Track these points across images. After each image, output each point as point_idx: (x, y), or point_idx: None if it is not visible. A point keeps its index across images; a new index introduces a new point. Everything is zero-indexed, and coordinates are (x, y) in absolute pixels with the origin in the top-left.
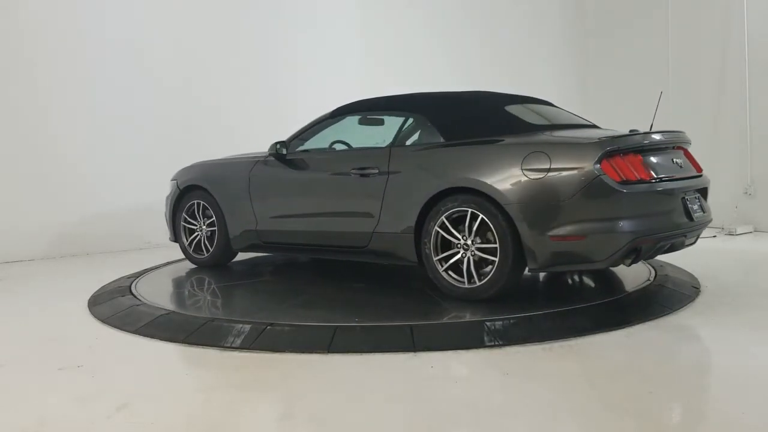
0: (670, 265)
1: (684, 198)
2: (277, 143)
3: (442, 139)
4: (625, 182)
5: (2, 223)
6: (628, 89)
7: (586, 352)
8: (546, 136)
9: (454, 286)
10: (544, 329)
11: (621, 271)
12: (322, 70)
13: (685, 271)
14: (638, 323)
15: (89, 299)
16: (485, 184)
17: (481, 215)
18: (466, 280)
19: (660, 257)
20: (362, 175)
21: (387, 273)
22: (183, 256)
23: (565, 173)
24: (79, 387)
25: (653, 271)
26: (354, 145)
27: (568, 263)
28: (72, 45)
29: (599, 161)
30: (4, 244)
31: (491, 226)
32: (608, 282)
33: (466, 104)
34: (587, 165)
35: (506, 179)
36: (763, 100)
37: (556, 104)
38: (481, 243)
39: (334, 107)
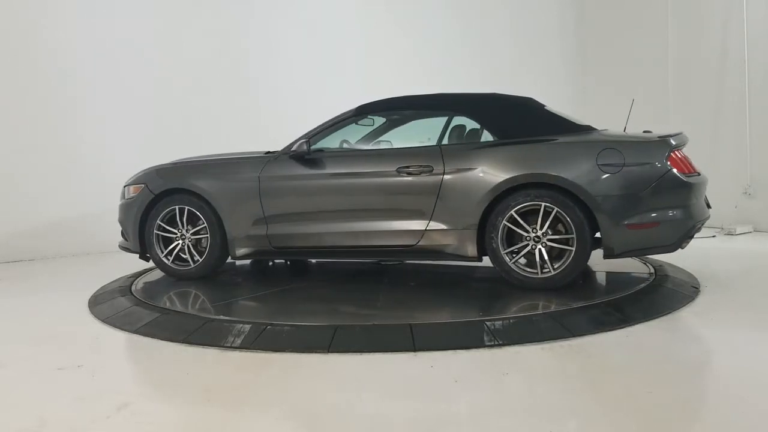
0: (670, 264)
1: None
2: (303, 142)
3: (494, 138)
4: (685, 175)
5: (3, 223)
6: (628, 90)
7: (586, 352)
8: (603, 134)
9: (527, 277)
10: (544, 329)
11: (621, 270)
12: (320, 68)
13: (685, 271)
14: (638, 323)
15: (89, 299)
16: (564, 179)
17: (555, 208)
18: (539, 270)
19: (660, 257)
20: (411, 174)
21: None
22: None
23: (639, 168)
24: (79, 387)
25: (653, 271)
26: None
27: (641, 249)
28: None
29: (668, 157)
30: (4, 244)
31: (567, 218)
32: (608, 282)
33: (506, 105)
34: (659, 160)
35: (584, 174)
36: (763, 100)
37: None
38: (552, 234)
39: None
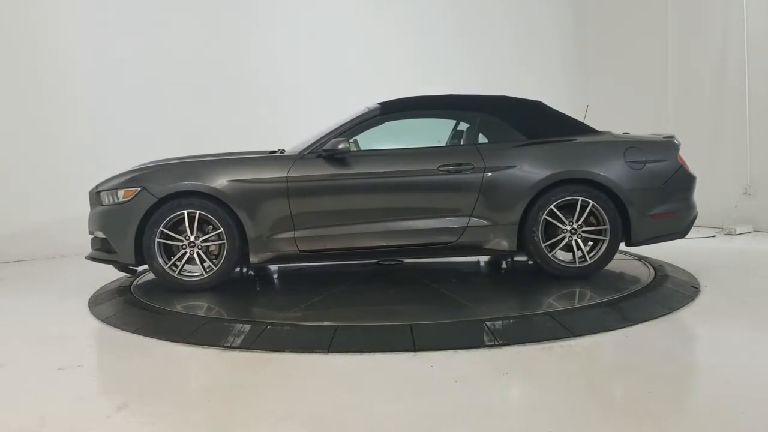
0: (670, 264)
1: None
2: (339, 140)
3: (523, 138)
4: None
5: (3, 223)
6: (628, 90)
7: (586, 352)
8: (619, 135)
9: (565, 267)
10: (544, 329)
11: (621, 270)
12: (320, 68)
13: (685, 270)
14: (638, 323)
15: (89, 299)
16: (602, 175)
17: (591, 202)
18: (576, 260)
19: (659, 257)
20: (451, 172)
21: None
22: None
23: (658, 164)
24: (79, 387)
25: (653, 271)
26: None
27: (660, 237)
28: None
29: (677, 154)
30: (4, 244)
31: (601, 210)
32: (608, 282)
33: (526, 106)
34: (673, 157)
35: (616, 171)
36: (763, 100)
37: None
38: (586, 226)
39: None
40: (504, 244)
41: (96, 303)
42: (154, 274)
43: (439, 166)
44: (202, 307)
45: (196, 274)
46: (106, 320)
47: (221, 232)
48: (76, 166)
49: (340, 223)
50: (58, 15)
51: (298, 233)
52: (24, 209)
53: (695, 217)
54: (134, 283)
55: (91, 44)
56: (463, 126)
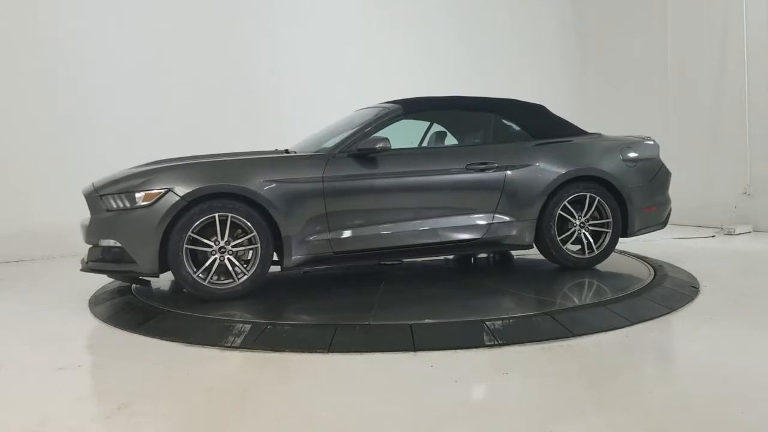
0: (669, 264)
1: None
2: (374, 138)
3: (532, 138)
4: None
5: (3, 223)
6: (628, 91)
7: (586, 352)
8: (608, 135)
9: (578, 258)
10: (544, 329)
11: (620, 270)
12: (321, 68)
13: (684, 270)
14: (638, 323)
15: (89, 299)
16: (608, 173)
17: (597, 197)
18: (586, 251)
19: (659, 257)
20: (477, 170)
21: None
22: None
23: (647, 162)
24: (79, 387)
25: (653, 271)
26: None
27: (646, 228)
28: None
29: (659, 153)
30: (4, 243)
31: (605, 205)
32: (608, 282)
33: (532, 110)
34: (656, 156)
35: (617, 168)
36: (763, 100)
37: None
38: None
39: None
40: (525, 239)
41: (96, 303)
42: (182, 284)
43: (466, 165)
44: (202, 307)
45: (228, 281)
46: (106, 320)
47: (253, 235)
48: (76, 166)
49: (374, 222)
50: (59, 15)
51: (333, 234)
52: (24, 209)
53: (670, 211)
54: (134, 283)
55: (92, 44)
56: (438, 128)
